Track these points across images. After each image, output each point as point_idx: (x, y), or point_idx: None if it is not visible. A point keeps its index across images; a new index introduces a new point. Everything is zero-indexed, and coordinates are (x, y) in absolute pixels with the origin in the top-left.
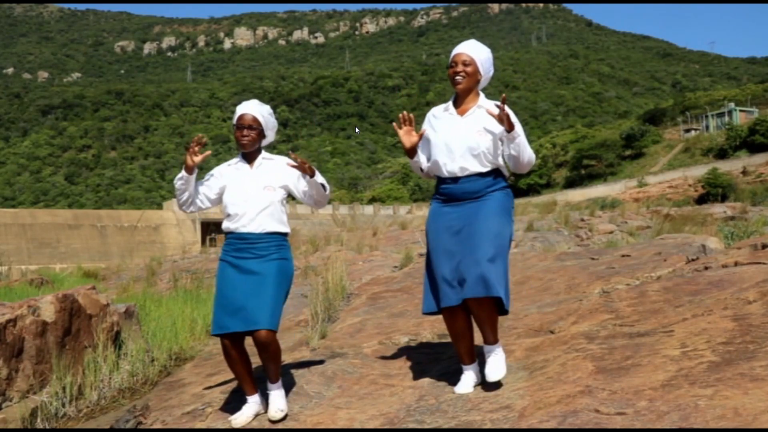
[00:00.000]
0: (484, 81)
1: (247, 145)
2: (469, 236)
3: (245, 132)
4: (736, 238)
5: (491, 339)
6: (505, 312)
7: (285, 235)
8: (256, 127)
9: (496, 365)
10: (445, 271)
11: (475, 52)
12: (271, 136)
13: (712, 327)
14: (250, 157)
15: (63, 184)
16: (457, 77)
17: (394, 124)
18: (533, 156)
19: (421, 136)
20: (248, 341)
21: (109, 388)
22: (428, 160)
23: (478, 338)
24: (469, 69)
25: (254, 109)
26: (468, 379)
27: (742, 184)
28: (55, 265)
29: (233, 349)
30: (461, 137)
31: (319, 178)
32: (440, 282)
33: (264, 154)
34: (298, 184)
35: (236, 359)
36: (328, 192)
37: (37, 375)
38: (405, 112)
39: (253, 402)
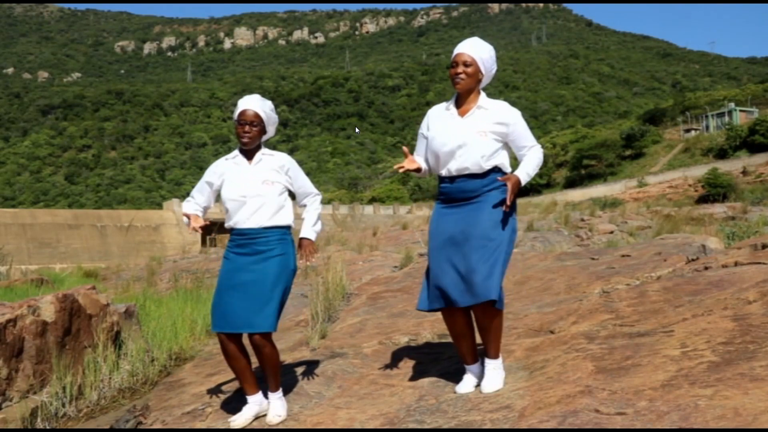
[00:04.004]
0: (486, 79)
1: (248, 143)
2: (464, 241)
3: (247, 129)
4: (736, 238)
5: (492, 353)
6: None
7: (287, 228)
8: (258, 123)
9: (493, 380)
10: (440, 275)
11: (476, 51)
12: (271, 131)
13: (712, 327)
14: (249, 153)
15: (63, 184)
16: (458, 78)
17: (398, 166)
18: (541, 160)
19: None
20: (246, 341)
21: (109, 388)
22: (427, 158)
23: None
24: (469, 69)
25: (256, 104)
26: (469, 379)
27: (742, 184)
28: (55, 265)
29: (230, 345)
30: (460, 137)
31: (316, 229)
32: (434, 285)
33: (264, 150)
34: (296, 186)
35: (234, 356)
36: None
37: (37, 375)
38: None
39: (253, 402)
